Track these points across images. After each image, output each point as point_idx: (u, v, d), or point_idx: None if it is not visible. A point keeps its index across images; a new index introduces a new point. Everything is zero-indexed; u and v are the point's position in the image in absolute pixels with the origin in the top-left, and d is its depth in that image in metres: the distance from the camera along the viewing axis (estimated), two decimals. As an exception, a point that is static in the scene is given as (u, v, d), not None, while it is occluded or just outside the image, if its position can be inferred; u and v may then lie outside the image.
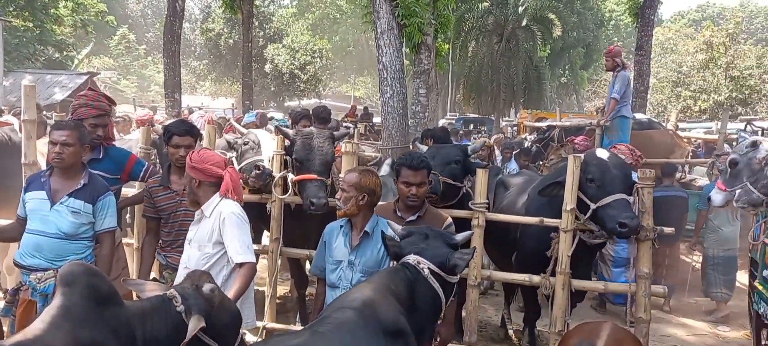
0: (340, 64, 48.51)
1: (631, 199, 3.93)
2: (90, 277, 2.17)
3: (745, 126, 10.24)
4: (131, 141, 6.61)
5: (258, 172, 4.38)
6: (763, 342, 4.51)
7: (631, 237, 3.98)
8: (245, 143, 4.80)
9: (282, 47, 34.46)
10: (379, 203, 3.47)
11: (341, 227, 3.37)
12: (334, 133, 4.62)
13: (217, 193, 3.39)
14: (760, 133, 7.14)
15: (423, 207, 3.66)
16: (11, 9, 25.24)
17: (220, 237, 3.30)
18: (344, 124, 13.97)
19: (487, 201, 4.30)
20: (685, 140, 10.12)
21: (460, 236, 2.97)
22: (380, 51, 9.13)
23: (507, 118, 26.64)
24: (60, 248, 3.47)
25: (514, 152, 9.18)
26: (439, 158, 4.43)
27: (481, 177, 4.31)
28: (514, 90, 25.12)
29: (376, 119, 19.54)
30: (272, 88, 34.88)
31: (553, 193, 4.25)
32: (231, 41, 35.25)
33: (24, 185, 3.68)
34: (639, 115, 11.36)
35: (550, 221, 4.18)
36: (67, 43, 30.75)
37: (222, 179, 3.39)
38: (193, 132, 4.06)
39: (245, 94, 18.92)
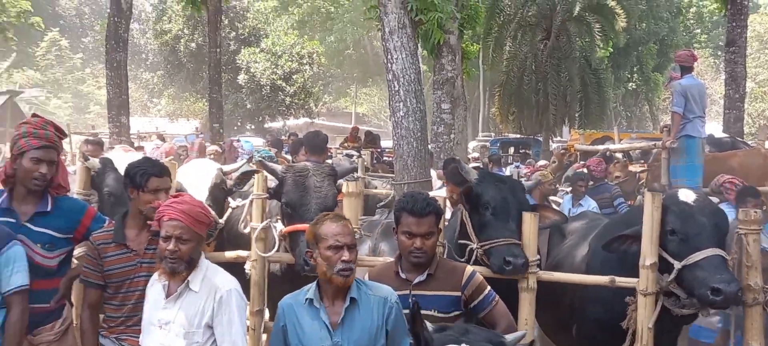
0: (336, 73, 48.96)
1: (727, 255, 3.90)
2: None
3: None
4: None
5: None
6: None
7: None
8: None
9: (260, 52, 34.82)
10: (375, 260, 3.45)
11: (308, 300, 3.32)
12: (337, 168, 4.63)
13: (203, 256, 3.40)
14: None
15: (433, 262, 3.68)
16: None
17: (211, 320, 3.30)
18: (344, 152, 14.08)
19: (538, 257, 4.28)
20: None
21: (510, 338, 2.93)
22: (389, 56, 9.20)
23: (559, 139, 26.62)
24: None
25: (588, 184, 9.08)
26: (519, 194, 4.44)
27: (530, 223, 4.29)
28: (567, 101, 25.14)
29: (385, 144, 19.62)
30: (248, 106, 35.17)
31: (621, 248, 4.24)
32: (193, 45, 35.72)
33: None
34: (719, 134, 11.48)
35: (623, 281, 4.14)
36: (-20, 54, 31.18)
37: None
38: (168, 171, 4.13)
39: (213, 115, 19.09)
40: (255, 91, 34.68)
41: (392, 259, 3.97)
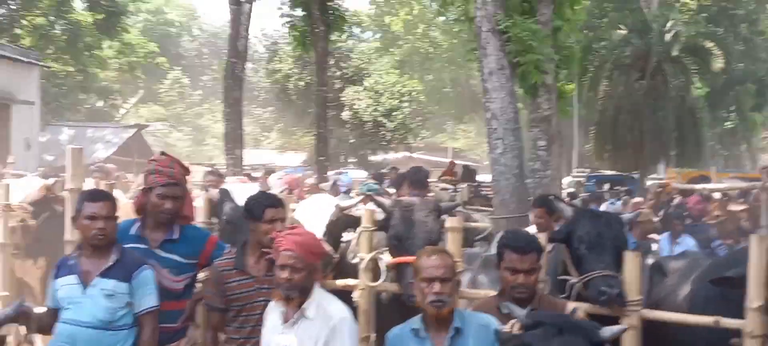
0: (434, 110, 49.11)
1: None
2: None
3: None
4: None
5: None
6: None
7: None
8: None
9: (363, 90, 35.30)
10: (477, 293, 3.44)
11: (414, 330, 3.34)
12: (441, 205, 4.64)
13: (317, 285, 3.48)
14: None
15: (535, 298, 3.63)
16: (50, 51, 27.16)
17: None
18: (441, 186, 14.08)
19: (641, 297, 4.14)
20: None
21: (608, 331, 2.86)
22: (488, 96, 9.18)
23: (654, 176, 25.82)
24: (96, 339, 3.69)
25: (686, 223, 8.81)
26: (616, 227, 4.32)
27: (632, 262, 4.16)
28: (662, 140, 24.41)
29: (481, 177, 19.49)
30: (351, 140, 35.63)
31: (727, 287, 4.06)
32: (302, 84, 36.45)
33: (53, 270, 3.94)
34: None
35: (728, 322, 3.95)
36: (112, 90, 32.84)
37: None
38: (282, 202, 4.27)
39: (319, 148, 19.42)
40: (358, 126, 35.15)
41: (491, 291, 3.94)
